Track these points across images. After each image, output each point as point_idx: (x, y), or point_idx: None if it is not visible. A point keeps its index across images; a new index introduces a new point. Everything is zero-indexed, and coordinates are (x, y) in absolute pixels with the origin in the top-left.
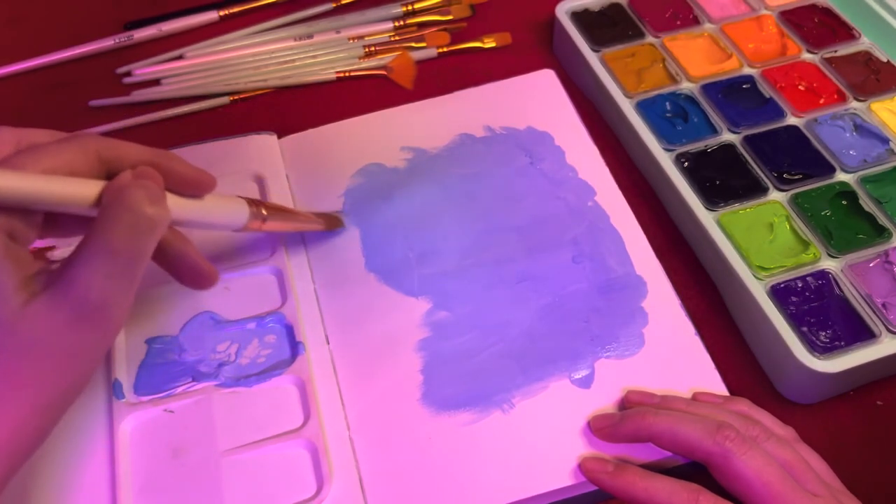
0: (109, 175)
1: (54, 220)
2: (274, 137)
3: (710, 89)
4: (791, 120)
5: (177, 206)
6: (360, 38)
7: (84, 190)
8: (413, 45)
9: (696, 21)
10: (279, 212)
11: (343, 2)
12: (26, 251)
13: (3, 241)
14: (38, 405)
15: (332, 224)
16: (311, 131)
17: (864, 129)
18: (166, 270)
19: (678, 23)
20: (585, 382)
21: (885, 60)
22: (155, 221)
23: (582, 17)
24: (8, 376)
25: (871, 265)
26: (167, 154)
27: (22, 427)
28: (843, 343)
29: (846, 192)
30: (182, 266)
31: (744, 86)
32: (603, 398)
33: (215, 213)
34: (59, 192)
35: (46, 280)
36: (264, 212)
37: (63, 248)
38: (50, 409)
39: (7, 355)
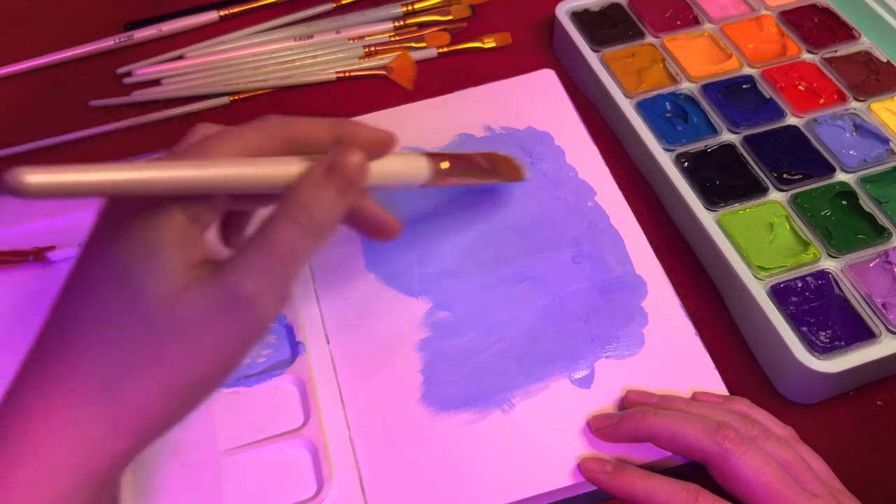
0: (297, 151)
1: (242, 197)
2: None
3: (710, 89)
4: (791, 120)
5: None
6: (361, 38)
7: (267, 174)
8: (413, 45)
9: (695, 21)
10: (458, 163)
11: (343, 2)
12: (200, 235)
13: (183, 224)
14: (174, 386)
15: (513, 175)
16: None
17: (864, 130)
18: (352, 228)
19: (678, 23)
20: (585, 382)
21: (884, 60)
22: (329, 226)
23: (582, 18)
24: (154, 353)
25: (870, 265)
26: (348, 122)
27: (153, 406)
28: (842, 343)
29: (846, 192)
30: (368, 222)
31: (744, 86)
32: (603, 398)
33: (398, 172)
34: (246, 175)
35: (212, 269)
36: (444, 165)
37: (62, 247)
38: (184, 393)
39: (158, 333)
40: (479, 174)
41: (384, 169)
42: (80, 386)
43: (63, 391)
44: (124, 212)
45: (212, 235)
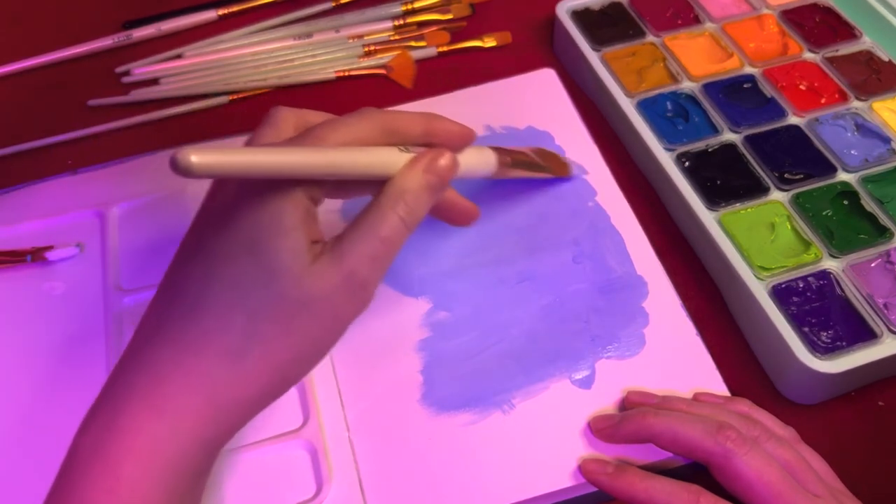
0: (392, 142)
1: (342, 183)
2: None
3: (711, 89)
4: (792, 119)
5: None
6: (360, 37)
7: (380, 164)
8: (413, 44)
9: (696, 20)
10: (518, 156)
11: (342, 1)
12: (317, 216)
13: (307, 205)
14: (297, 356)
15: (560, 170)
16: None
17: (866, 129)
18: (436, 217)
19: (679, 22)
20: (586, 383)
21: (886, 60)
22: (420, 220)
23: (582, 17)
24: (285, 321)
25: (872, 265)
26: (437, 118)
27: (279, 372)
28: (844, 343)
29: (847, 192)
30: (451, 210)
31: (745, 85)
32: (603, 399)
33: (472, 164)
34: (362, 163)
35: (322, 248)
36: (508, 158)
37: (60, 247)
38: (303, 362)
39: (290, 303)
40: (533, 167)
41: (463, 161)
42: (214, 348)
43: (195, 352)
44: (252, 189)
45: None
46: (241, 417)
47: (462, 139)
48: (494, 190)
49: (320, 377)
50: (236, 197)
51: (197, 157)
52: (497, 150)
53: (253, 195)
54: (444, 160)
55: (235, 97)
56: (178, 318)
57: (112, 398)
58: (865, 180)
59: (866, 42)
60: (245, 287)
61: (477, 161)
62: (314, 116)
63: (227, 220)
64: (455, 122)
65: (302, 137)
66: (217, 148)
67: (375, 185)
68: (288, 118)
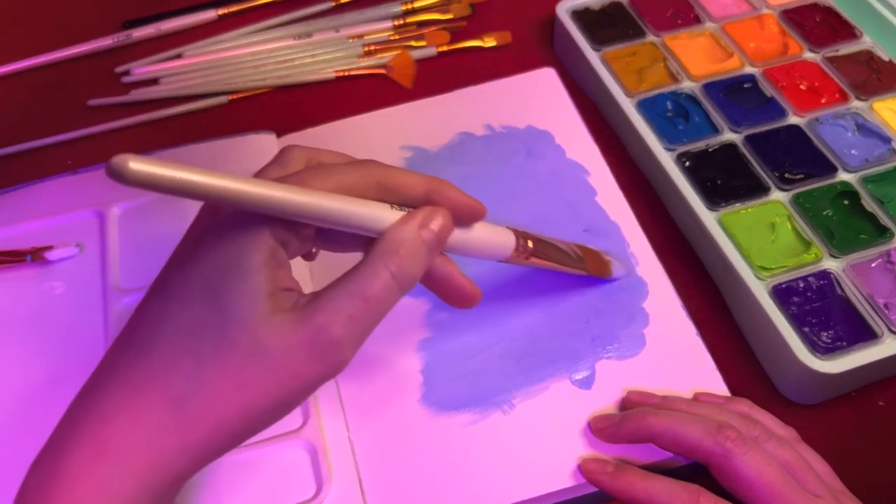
0: (385, 198)
1: (326, 234)
2: (273, 137)
3: (712, 88)
4: (792, 119)
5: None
6: (360, 37)
7: (365, 216)
8: (413, 43)
9: (697, 20)
10: (545, 247)
11: (342, 1)
12: (287, 263)
13: (272, 248)
14: (245, 411)
15: (599, 270)
16: (310, 130)
17: (866, 129)
18: (431, 290)
19: (679, 22)
20: (586, 383)
21: (886, 60)
22: (414, 282)
23: (583, 16)
24: (234, 373)
25: (872, 265)
26: (443, 183)
27: (223, 425)
28: (844, 343)
29: (848, 192)
30: (448, 287)
31: (745, 85)
32: (603, 399)
33: (482, 243)
34: (337, 211)
35: (295, 299)
36: (530, 244)
37: (59, 247)
38: (253, 418)
39: (240, 353)
40: (564, 262)
41: (470, 236)
42: (158, 393)
43: (141, 395)
44: (218, 225)
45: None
46: (189, 465)
47: (469, 212)
48: (494, 190)
49: None
50: (203, 232)
51: (135, 163)
52: (521, 234)
53: (218, 232)
54: (442, 218)
55: (235, 97)
56: (130, 357)
57: (60, 438)
58: (866, 180)
59: (867, 42)
60: (196, 330)
61: (486, 239)
62: (328, 157)
63: (190, 256)
64: (463, 193)
65: (284, 179)
66: (167, 161)
67: (364, 241)
68: (298, 156)
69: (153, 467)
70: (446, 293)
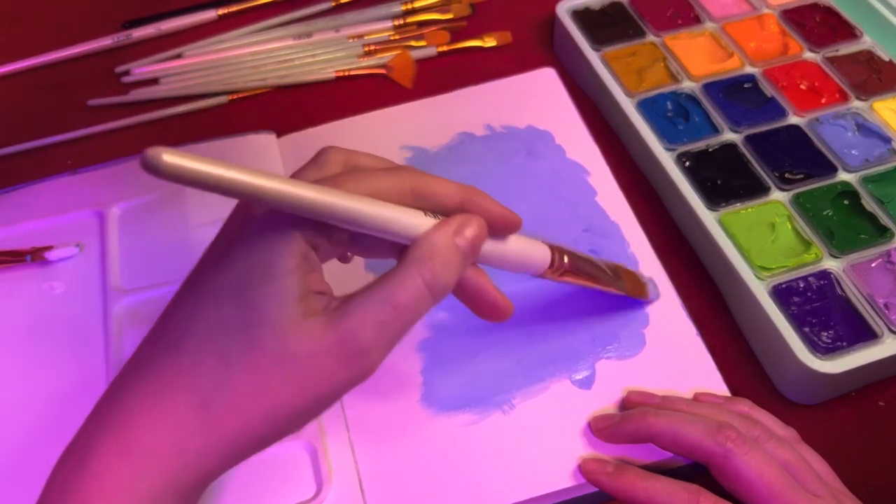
0: (419, 204)
1: (359, 239)
2: (273, 137)
3: (712, 88)
4: (793, 119)
5: (483, 246)
6: (360, 36)
7: (399, 222)
8: (413, 43)
9: (697, 20)
10: (581, 263)
11: (342, 0)
12: (319, 267)
13: (304, 251)
14: (271, 414)
15: (635, 290)
16: (310, 130)
17: (866, 129)
18: (462, 302)
19: (679, 22)
20: (586, 383)
21: (886, 59)
22: (447, 291)
23: (583, 16)
24: (261, 375)
25: (872, 265)
26: (478, 193)
27: (248, 428)
28: (844, 343)
29: (848, 192)
30: (480, 300)
31: (745, 85)
32: (603, 399)
33: (517, 256)
34: (370, 215)
35: (326, 303)
36: (566, 260)
37: (59, 247)
38: (280, 421)
39: (267, 356)
40: (600, 280)
41: (504, 248)
42: (184, 392)
43: (167, 393)
44: (251, 226)
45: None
46: (214, 466)
47: (504, 223)
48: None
49: None
50: (237, 233)
51: (169, 156)
52: (556, 249)
53: (250, 233)
54: (476, 226)
55: (235, 97)
56: (159, 355)
57: (87, 434)
58: (866, 180)
59: (867, 42)
60: (225, 331)
61: (521, 252)
62: (365, 160)
63: (223, 257)
64: (499, 204)
65: (320, 180)
66: (201, 156)
67: (397, 247)
68: (336, 158)
69: (178, 466)
70: (478, 305)
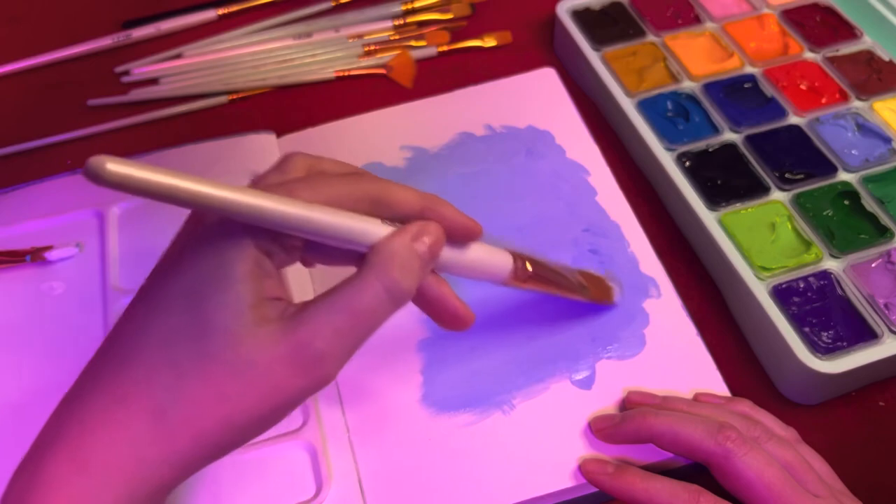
0: (377, 212)
1: (315, 246)
2: (273, 137)
3: (712, 88)
4: (793, 119)
5: (442, 253)
6: (360, 36)
7: (352, 229)
8: (413, 43)
9: (697, 20)
10: (544, 270)
11: (342, 0)
12: (275, 273)
13: (256, 257)
14: (227, 423)
15: (601, 295)
16: (310, 130)
17: (867, 129)
18: (422, 310)
19: (679, 21)
20: (586, 383)
21: (887, 59)
22: (407, 297)
23: (583, 16)
24: (215, 384)
25: (873, 265)
26: (439, 201)
27: (204, 437)
28: (845, 344)
29: (848, 192)
30: (440, 308)
31: (745, 85)
32: (604, 399)
33: (477, 263)
34: (320, 222)
35: (282, 309)
36: (529, 267)
37: (59, 247)
38: (234, 431)
39: (221, 365)
40: (564, 287)
41: (464, 256)
42: (139, 403)
43: (122, 405)
44: (202, 234)
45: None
46: (172, 476)
47: (464, 231)
48: (494, 190)
49: None
50: (189, 241)
51: (113, 165)
52: (519, 256)
53: (202, 241)
54: (434, 231)
55: (235, 97)
56: (112, 367)
57: (41, 447)
58: (866, 180)
59: (867, 42)
60: (178, 341)
61: (482, 260)
62: (330, 166)
63: (174, 266)
64: (459, 212)
65: (273, 188)
66: (146, 164)
67: (356, 255)
68: (298, 164)
69: (134, 478)
70: (438, 314)
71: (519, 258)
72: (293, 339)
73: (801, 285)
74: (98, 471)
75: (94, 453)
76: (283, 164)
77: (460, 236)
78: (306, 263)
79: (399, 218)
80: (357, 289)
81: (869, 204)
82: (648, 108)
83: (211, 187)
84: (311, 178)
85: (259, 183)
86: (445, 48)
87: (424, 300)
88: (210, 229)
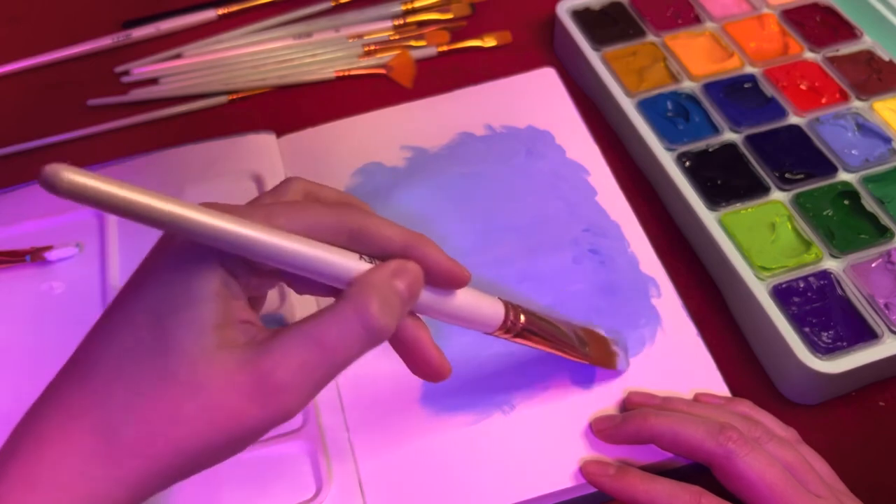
0: (355, 246)
1: (289, 274)
2: (272, 137)
3: (712, 88)
4: (793, 119)
5: (424, 297)
6: (360, 36)
7: (325, 262)
8: (413, 43)
9: (697, 20)
10: (540, 323)
11: (342, 0)
12: (242, 295)
13: (222, 278)
14: (180, 448)
15: (602, 359)
16: (310, 130)
17: (867, 129)
18: (396, 352)
19: (679, 21)
20: (586, 384)
21: (887, 59)
22: (385, 335)
23: (583, 16)
24: (170, 407)
25: (873, 265)
26: (425, 241)
27: (154, 460)
28: (845, 344)
29: (848, 192)
30: (414, 353)
31: (745, 85)
32: (604, 400)
33: (464, 310)
34: (290, 253)
35: (251, 335)
36: (522, 319)
37: (59, 247)
38: (187, 457)
39: (178, 387)
40: (561, 345)
41: (447, 301)
42: (92, 421)
43: (76, 422)
44: (170, 252)
45: None
46: (123, 499)
47: (449, 276)
48: (494, 190)
49: None
50: (158, 257)
51: (69, 174)
52: (512, 307)
53: (169, 259)
54: (413, 272)
55: (235, 97)
56: (71, 382)
57: None
58: (866, 180)
59: (867, 42)
60: (138, 359)
61: (468, 306)
62: (328, 193)
63: (141, 283)
64: (446, 255)
65: (252, 209)
66: (105, 177)
67: (331, 287)
68: (296, 188)
69: (85, 498)
70: (413, 360)
71: (512, 309)
72: (255, 367)
73: (801, 285)
74: (50, 490)
75: (47, 471)
76: (280, 187)
77: (444, 281)
78: (297, 291)
79: (380, 254)
80: (331, 322)
81: (869, 204)
82: (648, 108)
83: (167, 204)
84: (294, 203)
85: (252, 204)
86: (445, 48)
87: (398, 341)
88: (180, 247)
